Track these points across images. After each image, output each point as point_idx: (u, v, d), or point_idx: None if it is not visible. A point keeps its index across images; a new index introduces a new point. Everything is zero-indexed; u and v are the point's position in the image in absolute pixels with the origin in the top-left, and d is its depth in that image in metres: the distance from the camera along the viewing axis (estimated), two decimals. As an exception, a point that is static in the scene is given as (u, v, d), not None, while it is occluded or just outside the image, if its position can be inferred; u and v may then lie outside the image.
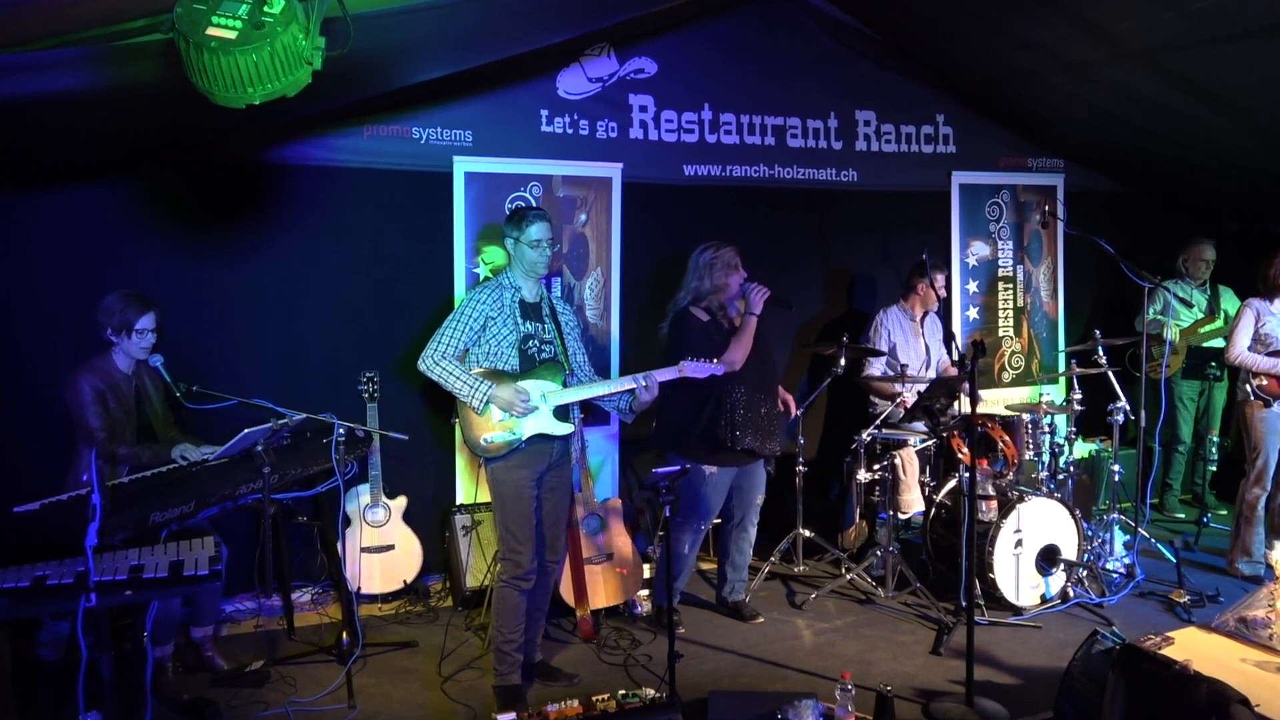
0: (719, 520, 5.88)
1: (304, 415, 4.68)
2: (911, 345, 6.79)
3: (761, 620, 5.79)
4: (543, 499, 4.79)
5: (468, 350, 4.67)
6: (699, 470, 5.46)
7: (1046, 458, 6.32)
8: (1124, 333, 6.96)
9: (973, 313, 7.92)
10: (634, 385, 4.81)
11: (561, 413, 4.75)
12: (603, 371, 6.32)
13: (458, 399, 4.64)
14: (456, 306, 4.70)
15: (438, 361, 4.60)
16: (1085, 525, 6.14)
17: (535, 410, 4.64)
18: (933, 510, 6.15)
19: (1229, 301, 7.64)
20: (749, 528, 5.80)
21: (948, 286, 6.08)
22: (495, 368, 4.65)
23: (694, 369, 4.94)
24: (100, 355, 4.78)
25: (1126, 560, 6.37)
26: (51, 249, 5.43)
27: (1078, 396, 6.42)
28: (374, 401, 5.77)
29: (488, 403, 4.56)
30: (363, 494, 5.95)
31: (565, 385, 4.76)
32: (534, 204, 6.30)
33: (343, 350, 6.03)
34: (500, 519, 4.73)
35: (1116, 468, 6.53)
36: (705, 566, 6.55)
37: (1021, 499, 5.79)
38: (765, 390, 5.61)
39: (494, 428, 4.61)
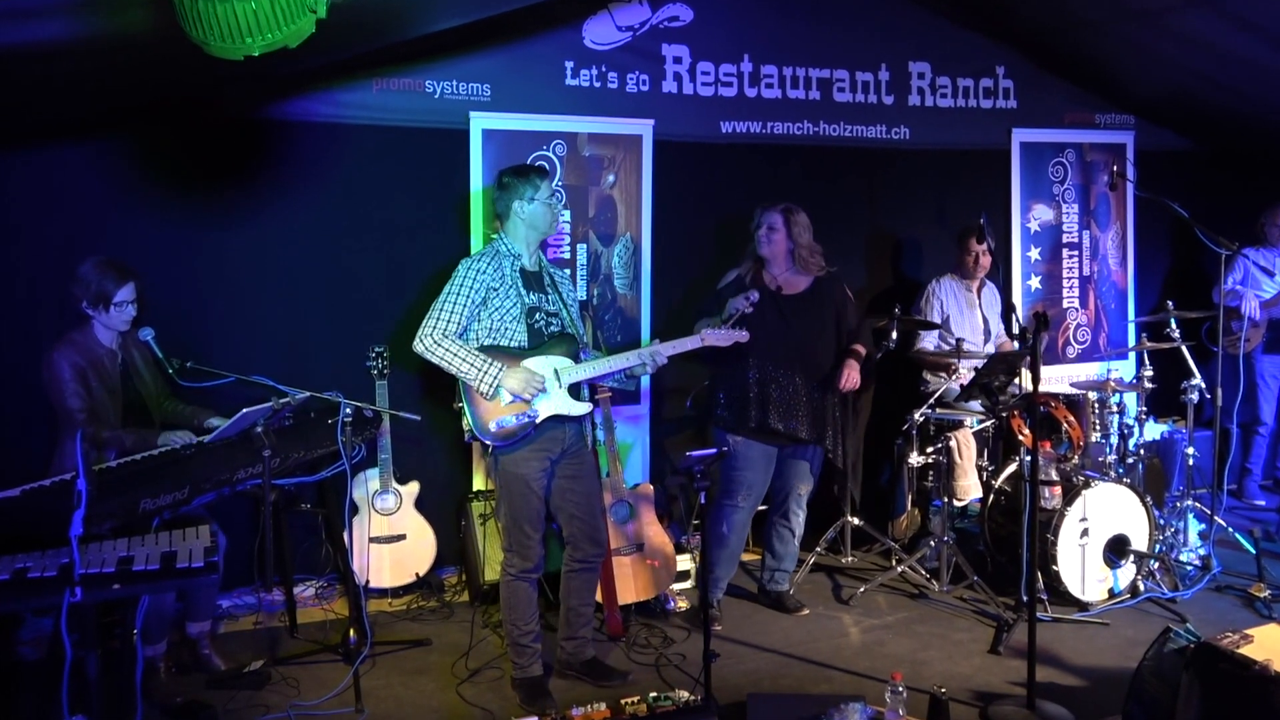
0: (764, 507, 5.83)
1: (307, 393, 4.63)
2: (967, 317, 6.68)
3: (806, 613, 5.78)
4: (569, 490, 4.74)
5: (468, 327, 4.57)
6: (724, 439, 5.49)
7: (1115, 440, 6.25)
8: (1199, 304, 6.85)
9: (1034, 282, 7.80)
10: (650, 359, 4.80)
11: (575, 391, 4.69)
12: (634, 345, 6.26)
13: (460, 382, 4.54)
14: (452, 278, 4.59)
15: (438, 342, 4.47)
16: (1157, 513, 6.06)
17: (547, 392, 4.57)
18: (991, 497, 6.09)
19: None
20: (790, 516, 5.77)
21: (995, 255, 5.93)
22: (499, 344, 4.56)
23: (715, 337, 4.98)
24: (79, 329, 4.69)
25: (1202, 551, 6.31)
26: (34, 212, 5.40)
27: (1149, 373, 6.36)
28: (383, 379, 5.71)
29: (498, 387, 4.47)
30: (371, 479, 5.91)
31: (578, 360, 4.70)
32: (557, 164, 6.26)
33: (349, 323, 6.00)
34: (508, 512, 4.68)
35: (1191, 451, 6.45)
36: (747, 557, 6.49)
37: (1087, 485, 5.72)
38: (801, 371, 5.52)
39: (505, 410, 4.52)
